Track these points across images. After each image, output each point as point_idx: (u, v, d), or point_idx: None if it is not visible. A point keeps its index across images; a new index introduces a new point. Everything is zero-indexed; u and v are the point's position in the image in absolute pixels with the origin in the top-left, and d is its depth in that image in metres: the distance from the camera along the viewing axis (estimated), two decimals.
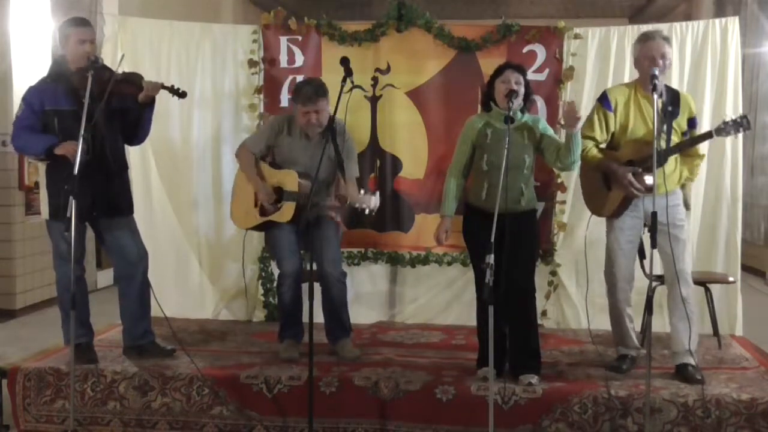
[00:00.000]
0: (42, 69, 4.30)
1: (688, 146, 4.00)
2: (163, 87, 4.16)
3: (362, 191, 4.14)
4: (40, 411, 4.14)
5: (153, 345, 4.39)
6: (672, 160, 4.06)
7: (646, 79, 4.01)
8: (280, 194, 4.40)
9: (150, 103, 4.20)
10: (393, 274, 5.52)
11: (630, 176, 4.00)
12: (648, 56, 4.00)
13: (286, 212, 4.37)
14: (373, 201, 4.10)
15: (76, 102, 4.03)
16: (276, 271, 5.39)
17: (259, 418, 4.02)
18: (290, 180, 4.36)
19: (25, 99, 4.15)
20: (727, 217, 5.14)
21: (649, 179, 3.92)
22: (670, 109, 4.01)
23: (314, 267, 4.11)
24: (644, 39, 4.09)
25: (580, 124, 3.85)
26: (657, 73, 3.84)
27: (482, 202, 3.99)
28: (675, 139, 4.05)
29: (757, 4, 9.06)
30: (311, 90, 4.34)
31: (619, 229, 4.17)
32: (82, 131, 3.69)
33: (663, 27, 5.21)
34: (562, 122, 3.87)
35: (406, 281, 5.51)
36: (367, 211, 4.11)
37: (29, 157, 4.42)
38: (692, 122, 4.15)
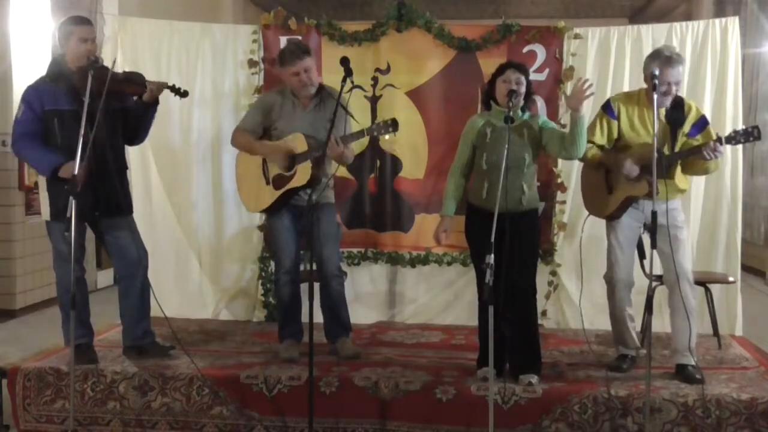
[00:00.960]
0: (42, 69, 4.29)
1: (696, 152, 3.96)
2: (166, 87, 4.16)
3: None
4: (40, 411, 4.14)
5: (153, 345, 4.39)
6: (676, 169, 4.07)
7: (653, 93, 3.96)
8: (291, 160, 4.26)
9: (154, 103, 4.21)
10: (393, 274, 5.52)
11: (629, 161, 4.00)
12: (664, 81, 3.91)
13: (301, 175, 4.22)
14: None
15: (76, 102, 4.03)
16: None
17: (259, 418, 4.02)
18: (298, 142, 4.23)
19: (25, 99, 4.12)
20: (727, 217, 5.14)
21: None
22: (675, 116, 4.01)
23: (313, 267, 4.10)
24: (663, 63, 3.93)
25: (585, 107, 3.81)
26: (656, 72, 3.83)
27: (483, 202, 3.99)
28: (691, 143, 4.05)
29: (757, 4, 9.06)
30: (295, 47, 4.32)
31: (618, 230, 4.18)
32: (82, 131, 3.68)
33: (663, 27, 5.24)
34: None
35: (406, 281, 5.51)
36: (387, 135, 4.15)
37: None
38: (703, 121, 4.11)
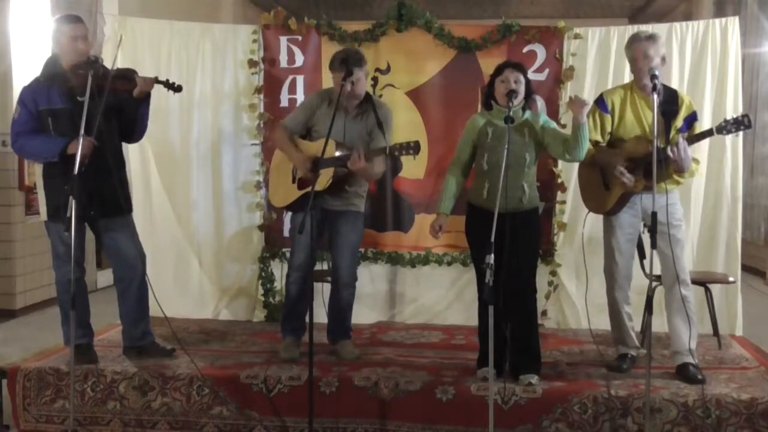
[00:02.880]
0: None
1: (689, 143, 3.98)
2: (158, 81, 4.13)
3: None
4: (40, 411, 4.14)
5: (153, 345, 4.39)
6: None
7: (640, 80, 4.04)
8: (317, 164, 4.21)
9: (145, 98, 4.19)
10: (393, 274, 5.52)
11: (620, 167, 4.00)
12: (636, 58, 4.06)
13: (323, 180, 4.21)
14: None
15: (70, 101, 4.03)
16: (276, 271, 5.43)
17: (259, 418, 4.02)
18: (329, 147, 4.15)
19: (20, 101, 4.13)
20: (727, 217, 5.14)
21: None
22: (666, 107, 4.01)
23: (314, 267, 4.10)
24: (630, 42, 4.14)
25: (586, 110, 3.85)
26: (657, 73, 3.84)
27: (483, 202, 3.99)
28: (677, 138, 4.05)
29: (757, 4, 9.06)
30: (341, 60, 4.25)
31: (617, 227, 4.18)
32: (81, 130, 3.68)
33: (663, 27, 5.24)
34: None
35: (406, 281, 5.51)
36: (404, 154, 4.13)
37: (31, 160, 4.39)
38: (693, 117, 4.13)
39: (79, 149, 3.69)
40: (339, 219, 4.40)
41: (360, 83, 4.25)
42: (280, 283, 5.37)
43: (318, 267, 4.99)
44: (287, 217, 5.36)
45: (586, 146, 3.93)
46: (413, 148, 4.06)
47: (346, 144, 4.24)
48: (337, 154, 4.21)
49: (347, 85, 4.16)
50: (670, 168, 3.98)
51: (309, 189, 4.23)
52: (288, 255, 4.91)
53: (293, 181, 4.40)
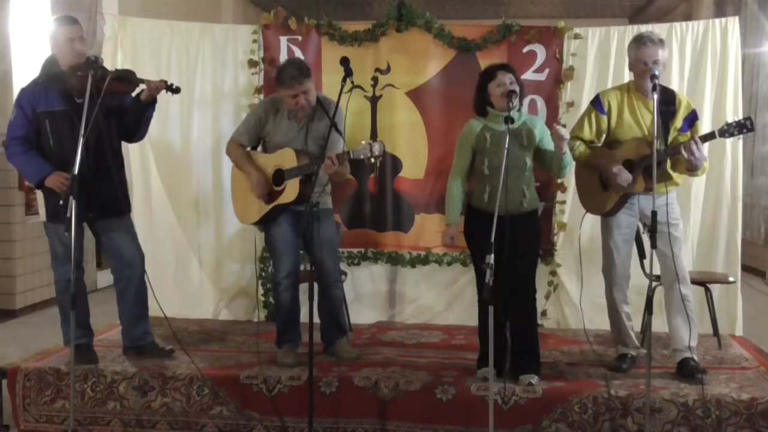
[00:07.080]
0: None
1: (677, 151, 3.93)
2: (165, 85, 4.12)
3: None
4: (40, 411, 4.14)
5: (152, 345, 4.39)
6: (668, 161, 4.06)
7: (640, 81, 4.03)
8: (281, 176, 4.25)
9: (153, 101, 4.19)
10: (393, 274, 5.52)
11: (616, 168, 4.00)
12: (640, 61, 3.98)
13: (290, 191, 4.21)
14: (376, 147, 4.06)
15: (68, 102, 4.03)
16: None
17: (259, 418, 4.02)
18: (288, 158, 4.22)
19: (17, 102, 4.13)
20: (727, 217, 5.14)
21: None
22: (663, 108, 4.00)
23: (313, 267, 4.09)
24: (637, 44, 4.04)
25: (566, 144, 3.84)
26: (657, 72, 3.84)
27: (484, 205, 3.98)
28: (678, 139, 4.05)
29: (757, 4, 9.06)
30: (295, 71, 4.17)
31: (615, 228, 4.18)
32: (82, 131, 3.67)
33: (663, 27, 5.24)
34: (563, 120, 3.84)
35: (406, 281, 5.51)
36: (372, 159, 4.05)
37: None
38: (693, 115, 4.12)
39: (64, 184, 3.68)
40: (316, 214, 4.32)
41: (312, 93, 4.21)
42: None
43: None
44: None
45: (570, 168, 4.01)
46: (378, 148, 4.04)
47: (306, 151, 4.23)
48: (299, 163, 4.18)
49: (300, 98, 4.16)
50: (682, 166, 3.98)
51: (278, 202, 4.25)
52: None
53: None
